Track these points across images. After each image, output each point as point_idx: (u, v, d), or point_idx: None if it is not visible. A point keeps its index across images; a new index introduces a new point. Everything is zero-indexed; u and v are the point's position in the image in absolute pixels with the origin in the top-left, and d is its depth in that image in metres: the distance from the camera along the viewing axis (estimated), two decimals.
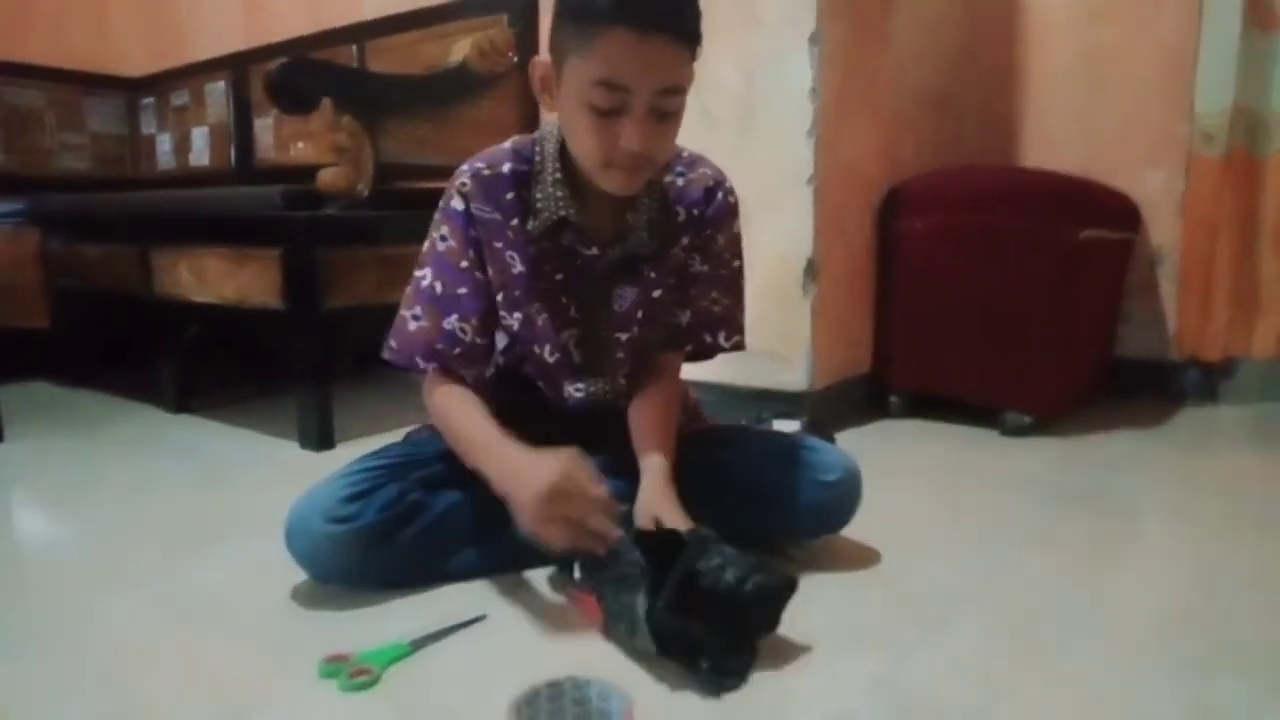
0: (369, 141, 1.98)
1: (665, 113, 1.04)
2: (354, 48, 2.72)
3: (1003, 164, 2.45)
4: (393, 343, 1.19)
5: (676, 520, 1.07)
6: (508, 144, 1.19)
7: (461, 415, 1.14)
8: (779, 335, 1.94)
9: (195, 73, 3.28)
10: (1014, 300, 1.95)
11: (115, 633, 1.10)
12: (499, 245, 1.16)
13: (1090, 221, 1.96)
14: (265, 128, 3.04)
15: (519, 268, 1.17)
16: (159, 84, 3.45)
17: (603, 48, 0.99)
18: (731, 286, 1.28)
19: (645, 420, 1.22)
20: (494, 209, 1.15)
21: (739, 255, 1.28)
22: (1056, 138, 2.41)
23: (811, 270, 1.90)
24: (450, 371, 1.18)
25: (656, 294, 1.22)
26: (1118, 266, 2.19)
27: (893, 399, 2.16)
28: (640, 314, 1.22)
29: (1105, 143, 2.33)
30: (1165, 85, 2.23)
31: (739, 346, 1.31)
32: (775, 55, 1.88)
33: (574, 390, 1.25)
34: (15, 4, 3.40)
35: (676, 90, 1.03)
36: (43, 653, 1.05)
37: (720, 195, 1.22)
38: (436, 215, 1.19)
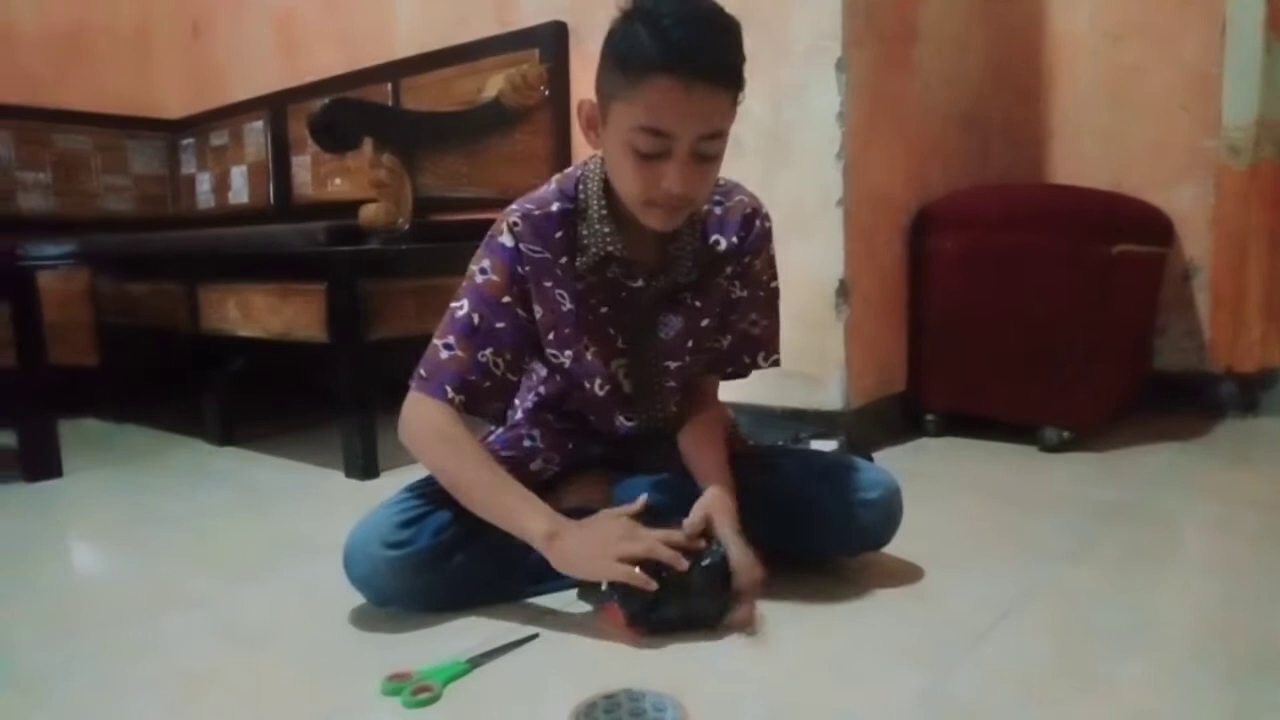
0: (408, 177, 2.04)
1: (706, 156, 1.07)
2: (389, 85, 2.79)
3: (1032, 182, 2.46)
4: (422, 370, 1.20)
5: (727, 535, 1.11)
6: (552, 184, 1.22)
7: (481, 466, 1.16)
8: (812, 357, 1.96)
9: (234, 113, 3.38)
10: (1048, 317, 1.96)
11: (178, 657, 1.13)
12: (548, 284, 1.19)
13: (1122, 237, 1.97)
14: (303, 165, 3.12)
15: (568, 305, 1.20)
16: (198, 125, 3.56)
17: (647, 95, 1.02)
18: (769, 307, 1.31)
19: (702, 453, 1.25)
20: (543, 248, 1.18)
21: (775, 276, 1.31)
22: (1085, 156, 2.42)
23: (843, 292, 1.93)
24: (475, 410, 1.20)
25: (705, 323, 1.25)
26: (1151, 281, 2.20)
27: (929, 418, 2.17)
28: (690, 343, 1.25)
29: (1134, 159, 2.34)
30: (1191, 101, 2.24)
31: (775, 364, 1.34)
32: (803, 83, 1.92)
33: (625, 420, 1.28)
34: (63, 52, 3.53)
35: (718, 134, 1.06)
36: (105, 678, 1.09)
37: (759, 222, 1.25)
38: (480, 250, 1.21)
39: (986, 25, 2.43)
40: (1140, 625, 1.12)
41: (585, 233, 1.18)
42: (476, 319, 1.19)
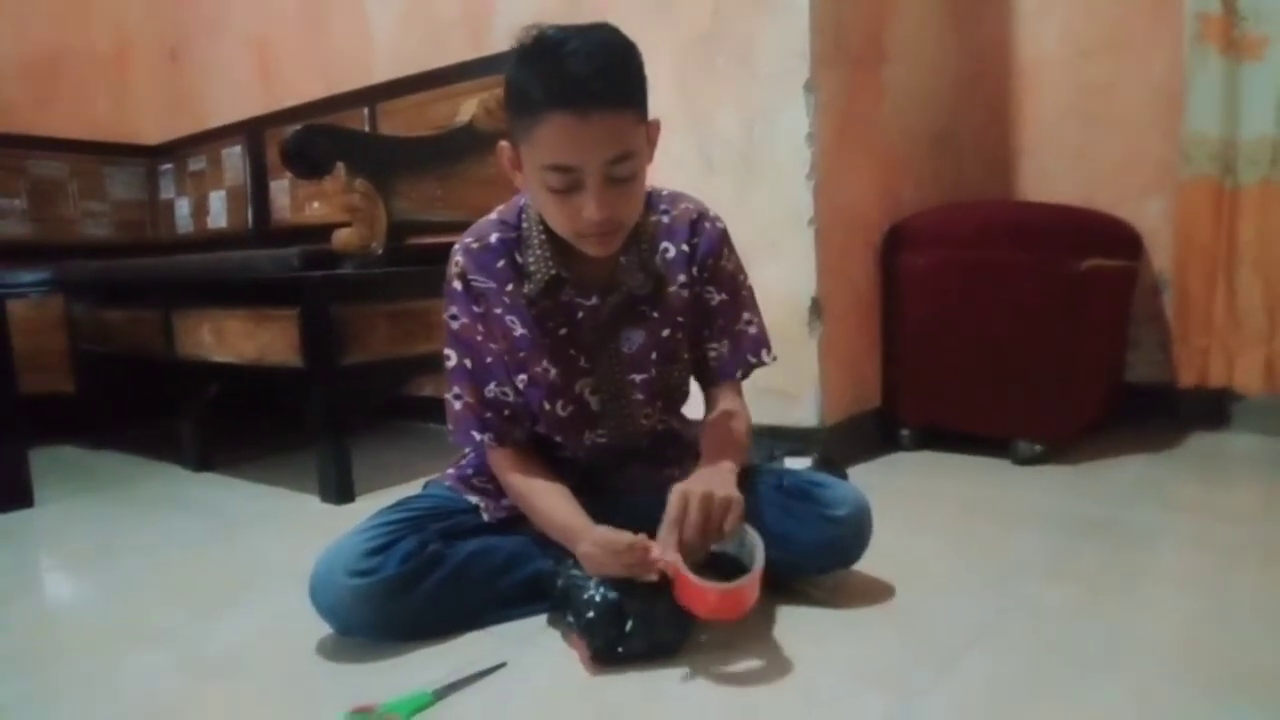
0: (381, 201, 2.04)
1: (620, 178, 1.07)
2: (365, 110, 2.80)
3: (1003, 199, 2.48)
4: (450, 426, 1.27)
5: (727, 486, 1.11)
6: (493, 214, 1.25)
7: (545, 505, 1.21)
8: (787, 374, 1.96)
9: (212, 138, 3.38)
10: (1020, 332, 1.97)
11: (145, 690, 1.13)
12: (498, 311, 1.21)
13: (1091, 252, 1.98)
14: (281, 189, 3.12)
15: (520, 330, 1.21)
16: (177, 150, 3.56)
17: (544, 135, 1.03)
18: (755, 305, 1.32)
19: (706, 440, 1.25)
20: (489, 277, 1.21)
21: (746, 273, 1.32)
22: (1055, 172, 2.44)
23: (816, 309, 1.93)
24: (507, 440, 1.25)
25: (666, 333, 1.25)
26: (1121, 294, 2.21)
27: (904, 433, 2.18)
28: (654, 355, 1.25)
29: (1104, 175, 2.36)
30: (1158, 117, 2.26)
31: (774, 359, 1.33)
32: (772, 104, 1.93)
33: (596, 437, 1.28)
34: (42, 78, 3.53)
35: (627, 156, 1.06)
36: (75, 711, 1.08)
37: (708, 225, 1.26)
38: (445, 296, 1.25)
39: (956, 44, 2.45)
40: (1115, 644, 1.12)
41: (530, 259, 1.20)
42: (468, 363, 1.24)
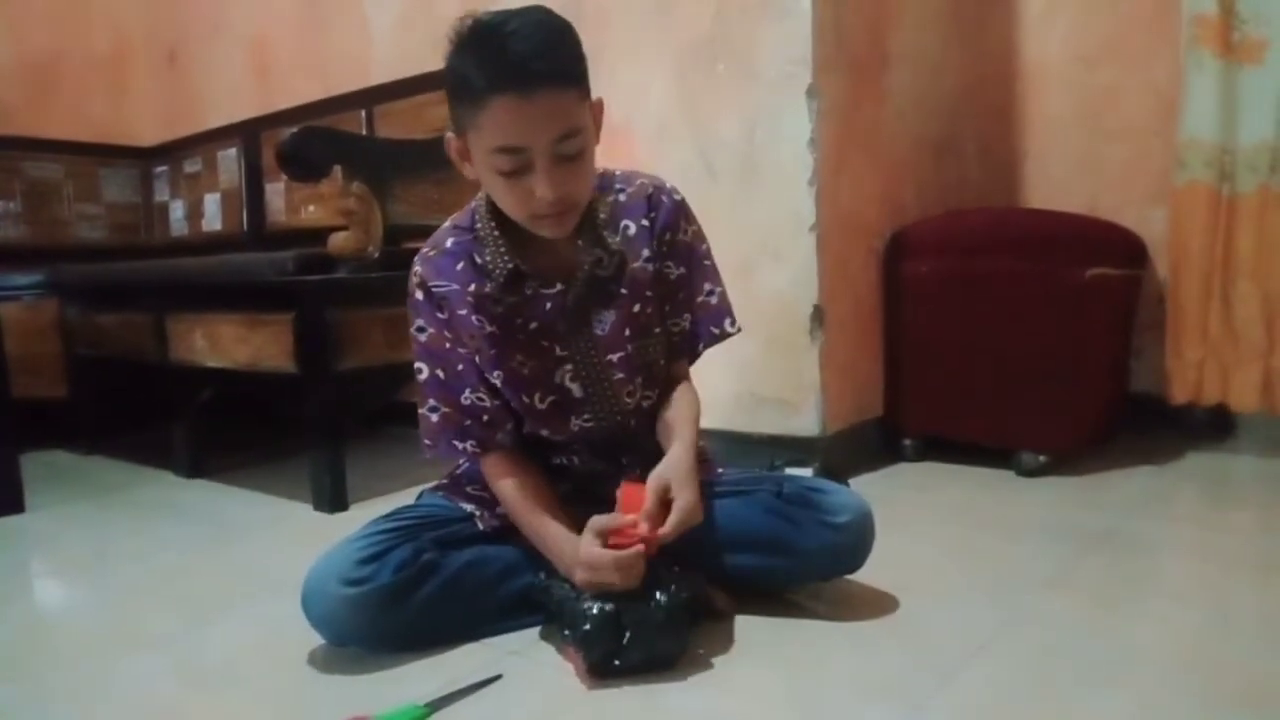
0: (378, 205, 2.02)
1: (569, 156, 1.07)
2: (362, 113, 2.78)
3: (1006, 206, 2.47)
4: (426, 440, 1.25)
5: (685, 492, 1.10)
6: (447, 223, 1.25)
7: (520, 508, 1.21)
8: (788, 382, 1.94)
9: (207, 140, 3.36)
10: (1023, 341, 1.96)
11: (137, 698, 1.11)
12: (463, 313, 1.20)
13: (1095, 261, 1.97)
14: (276, 192, 3.10)
15: (489, 328, 1.20)
16: (172, 152, 3.53)
17: (490, 119, 1.03)
18: (715, 274, 1.31)
19: (665, 424, 1.25)
20: (449, 280, 1.20)
21: (706, 241, 1.31)
22: (1059, 179, 2.43)
23: (818, 317, 1.92)
24: (491, 445, 1.23)
25: (637, 309, 1.24)
26: (1126, 304, 2.19)
27: (906, 443, 2.15)
28: (628, 331, 1.24)
29: (1107, 182, 2.35)
30: (1161, 125, 2.24)
31: (738, 329, 1.32)
32: (773, 110, 1.91)
33: (582, 422, 1.26)
34: (38, 79, 3.51)
35: (574, 133, 1.07)
36: (70, 716, 1.07)
37: (664, 198, 1.25)
38: (409, 310, 1.24)
39: (959, 50, 2.44)
40: (1119, 657, 1.10)
41: (488, 258, 1.19)
42: (441, 374, 1.22)
